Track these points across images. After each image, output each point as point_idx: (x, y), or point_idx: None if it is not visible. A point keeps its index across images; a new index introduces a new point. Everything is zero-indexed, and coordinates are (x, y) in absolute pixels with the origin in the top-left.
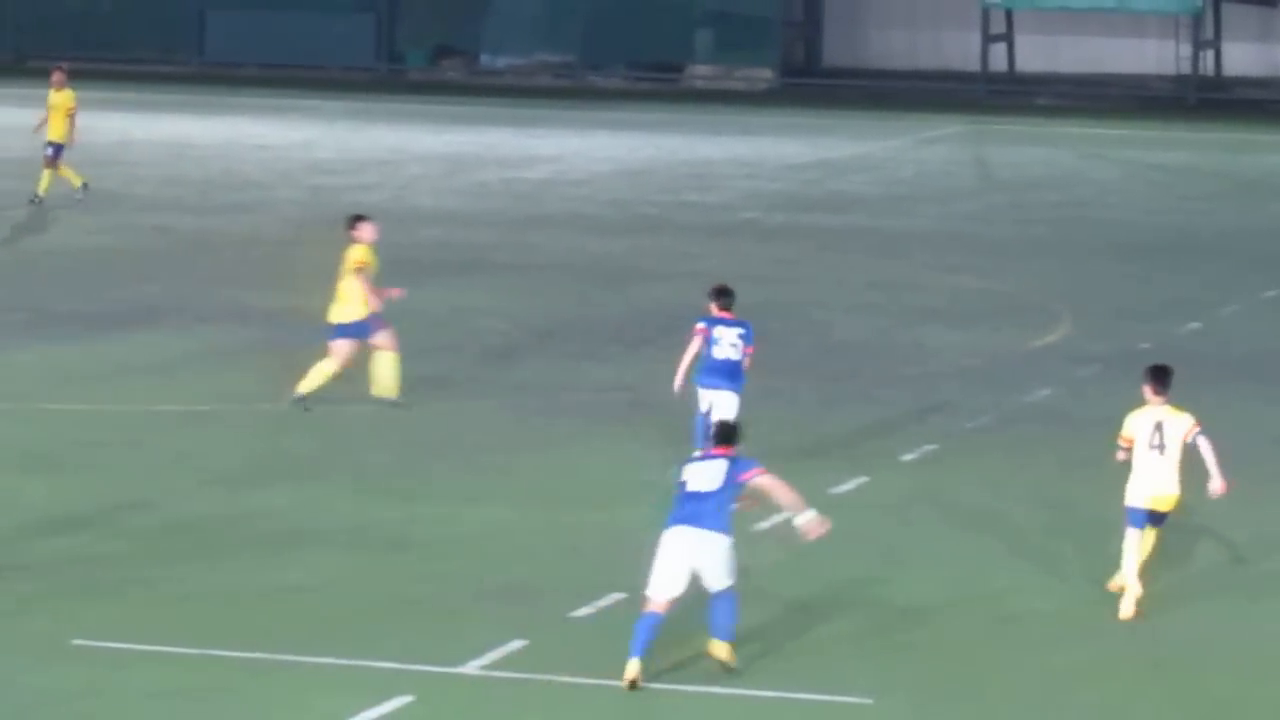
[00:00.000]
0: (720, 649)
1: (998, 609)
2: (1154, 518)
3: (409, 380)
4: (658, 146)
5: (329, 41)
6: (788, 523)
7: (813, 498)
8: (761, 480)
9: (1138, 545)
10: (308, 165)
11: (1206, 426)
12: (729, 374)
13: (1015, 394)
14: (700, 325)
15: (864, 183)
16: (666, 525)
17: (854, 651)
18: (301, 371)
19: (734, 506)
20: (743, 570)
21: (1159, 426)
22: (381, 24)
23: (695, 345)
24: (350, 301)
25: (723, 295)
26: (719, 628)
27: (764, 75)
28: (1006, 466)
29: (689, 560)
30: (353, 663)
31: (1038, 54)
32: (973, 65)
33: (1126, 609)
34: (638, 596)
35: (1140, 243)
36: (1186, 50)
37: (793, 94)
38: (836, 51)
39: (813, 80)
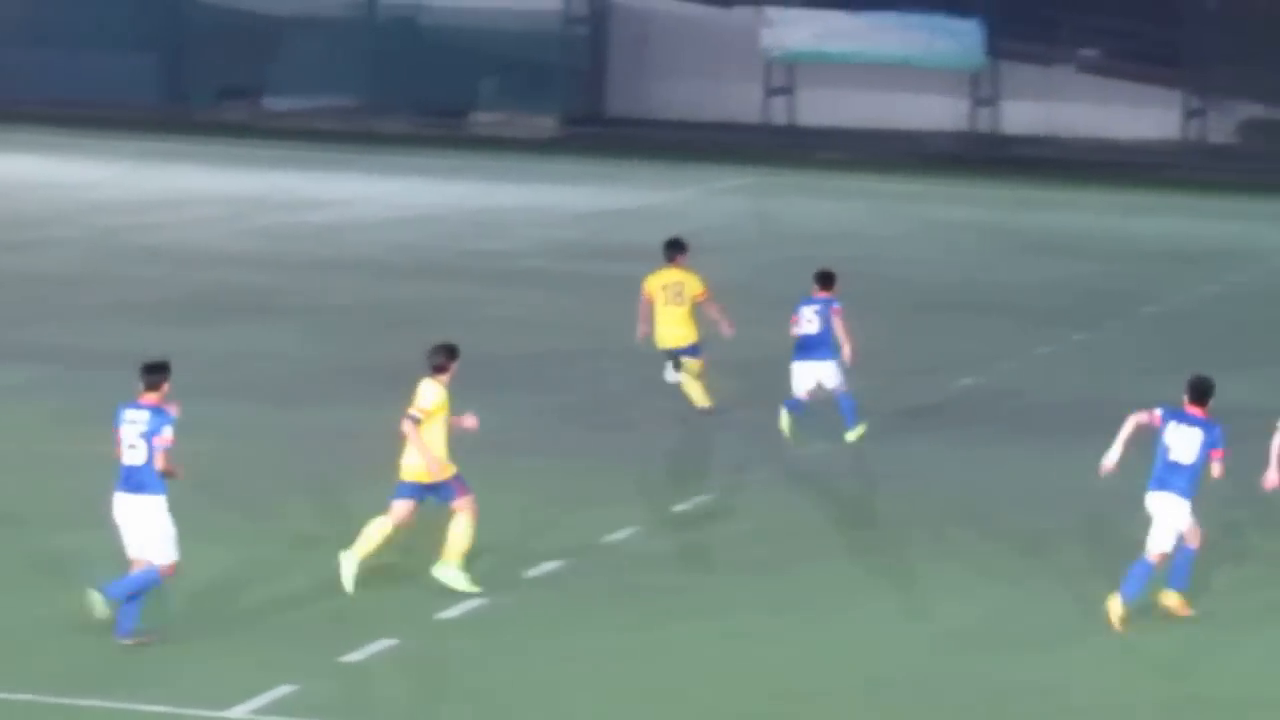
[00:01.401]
0: (1170, 598)
1: (770, 663)
2: None
3: (192, 422)
4: (442, 192)
5: (113, 80)
6: None
7: (583, 544)
8: (1215, 467)
9: None
10: (90, 205)
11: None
12: (809, 346)
13: (793, 446)
14: (794, 315)
15: (647, 233)
16: (1150, 488)
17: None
18: (82, 416)
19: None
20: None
21: None
22: (167, 64)
23: (793, 329)
24: (689, 325)
25: (820, 277)
26: (1174, 578)
27: (548, 123)
28: (779, 519)
29: (1167, 521)
30: (121, 706)
31: (821, 108)
32: (756, 117)
33: None
34: (408, 642)
35: (919, 298)
36: (966, 107)
37: (576, 142)
38: (620, 100)
39: (596, 129)
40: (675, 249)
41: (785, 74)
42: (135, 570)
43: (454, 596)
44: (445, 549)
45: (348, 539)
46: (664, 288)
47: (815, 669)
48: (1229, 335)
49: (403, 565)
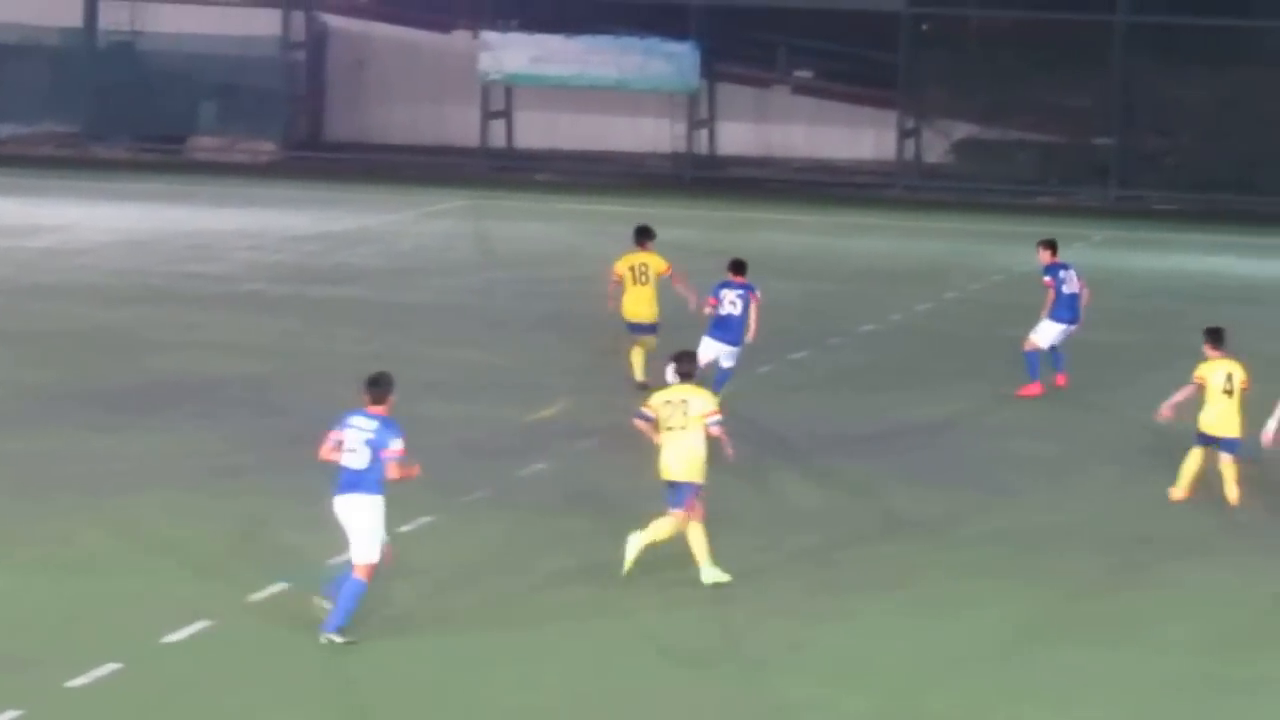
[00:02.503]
0: None
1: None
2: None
3: None
4: (161, 217)
5: None
6: None
7: (309, 567)
8: None
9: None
10: None
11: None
12: (729, 328)
13: (512, 467)
14: (710, 297)
15: (366, 255)
16: None
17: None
18: None
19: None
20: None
21: (1229, 376)
22: None
23: (708, 308)
24: (651, 304)
25: (734, 265)
26: None
27: (267, 148)
28: (501, 539)
29: None
30: None
31: (538, 130)
32: (473, 140)
33: (1175, 494)
34: (135, 666)
35: None
36: (682, 129)
37: (296, 167)
38: (340, 125)
39: (316, 153)
40: (644, 234)
41: (503, 97)
42: (352, 575)
43: (178, 620)
44: (696, 558)
45: (67, 562)
46: (631, 268)
47: (537, 688)
48: (945, 350)
49: (129, 590)
